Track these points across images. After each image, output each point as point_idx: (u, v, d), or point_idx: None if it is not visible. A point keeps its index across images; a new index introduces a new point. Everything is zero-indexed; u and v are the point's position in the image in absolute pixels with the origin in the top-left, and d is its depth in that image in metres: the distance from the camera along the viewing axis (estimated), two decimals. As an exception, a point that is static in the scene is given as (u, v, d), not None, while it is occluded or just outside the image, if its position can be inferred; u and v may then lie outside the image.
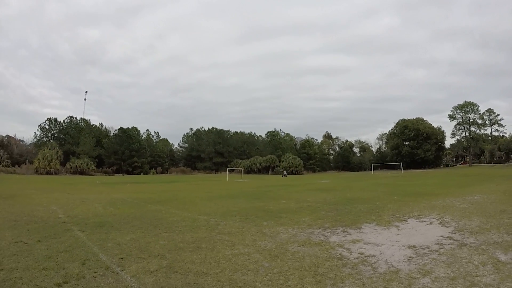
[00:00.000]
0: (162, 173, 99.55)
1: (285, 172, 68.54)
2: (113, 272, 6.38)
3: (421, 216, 11.90)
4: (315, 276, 6.00)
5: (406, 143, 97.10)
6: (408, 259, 6.81)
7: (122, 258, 7.30)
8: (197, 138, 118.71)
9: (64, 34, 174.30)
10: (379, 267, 6.40)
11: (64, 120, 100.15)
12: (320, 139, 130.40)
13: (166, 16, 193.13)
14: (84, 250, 7.96)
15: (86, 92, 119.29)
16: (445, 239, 8.33)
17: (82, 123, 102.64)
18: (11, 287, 5.66)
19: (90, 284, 5.74)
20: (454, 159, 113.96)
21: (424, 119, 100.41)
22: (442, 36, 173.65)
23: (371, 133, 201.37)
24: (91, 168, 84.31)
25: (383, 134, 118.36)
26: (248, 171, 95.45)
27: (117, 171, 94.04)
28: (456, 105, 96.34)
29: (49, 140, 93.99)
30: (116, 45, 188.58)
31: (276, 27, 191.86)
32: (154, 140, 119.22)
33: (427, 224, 10.44)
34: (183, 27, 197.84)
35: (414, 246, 7.78)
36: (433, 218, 11.45)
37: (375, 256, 7.11)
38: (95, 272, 6.31)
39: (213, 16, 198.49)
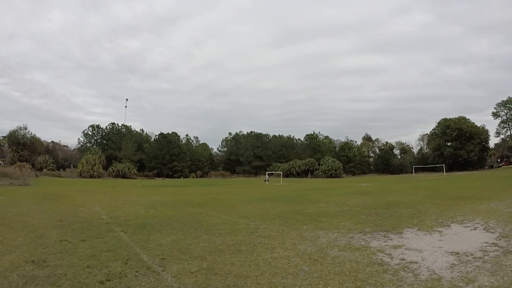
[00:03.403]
0: (201, 176, 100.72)
1: (267, 177, 67.00)
2: (154, 272, 6.44)
3: (464, 221, 11.33)
4: (355, 281, 5.83)
5: (449, 144, 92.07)
6: (451, 266, 6.49)
7: (163, 258, 7.36)
8: (236, 142, 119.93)
9: (105, 45, 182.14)
10: (420, 274, 6.13)
11: (106, 127, 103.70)
12: (358, 141, 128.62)
13: (203, 24, 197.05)
14: (127, 250, 8.10)
15: (127, 99, 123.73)
16: (489, 246, 7.88)
17: (124, 129, 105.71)
18: (55, 282, 5.80)
19: (132, 283, 5.82)
20: (499, 160, 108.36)
21: (467, 117, 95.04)
22: (478, 31, 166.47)
23: (410, 134, 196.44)
24: (132, 172, 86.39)
25: (424, 135, 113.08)
26: (287, 174, 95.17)
27: (158, 175, 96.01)
28: (500, 101, 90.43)
29: (92, 145, 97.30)
30: (155, 54, 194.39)
31: (310, 30, 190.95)
32: (194, 145, 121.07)
33: (471, 230, 9.93)
34: (219, 34, 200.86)
35: (457, 253, 7.41)
36: (477, 223, 10.87)
37: (416, 263, 6.83)
38: (137, 272, 6.40)
39: (247, 22, 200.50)
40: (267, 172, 72.68)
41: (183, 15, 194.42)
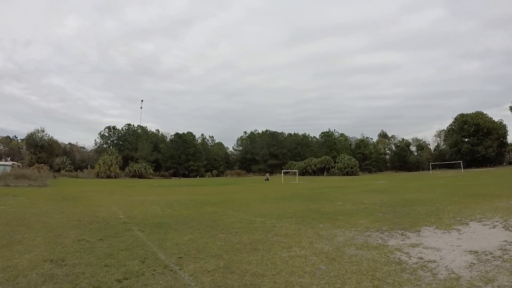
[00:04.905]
0: (217, 176, 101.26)
1: (267, 175, 66.76)
2: (171, 270, 6.46)
3: (483, 219, 11.06)
4: (373, 280, 5.74)
5: (466, 140, 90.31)
6: (470, 266, 6.34)
7: (180, 257, 7.38)
8: (251, 141, 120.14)
9: (121, 49, 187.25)
10: (439, 273, 6.01)
11: (122, 128, 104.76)
12: (374, 138, 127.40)
13: (216, 25, 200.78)
14: (144, 249, 8.14)
15: (142, 101, 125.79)
16: (509, 245, 7.69)
17: (139, 130, 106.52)
18: (73, 281, 5.86)
19: (149, 281, 5.84)
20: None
21: (484, 113, 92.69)
22: (494, 24, 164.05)
23: (427, 131, 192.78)
24: (149, 172, 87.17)
25: (441, 131, 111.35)
26: (303, 172, 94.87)
27: (174, 175, 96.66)
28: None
29: (109, 146, 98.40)
30: (170, 56, 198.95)
31: (322, 29, 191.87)
32: (209, 144, 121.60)
33: (490, 228, 9.69)
34: (233, 34, 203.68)
35: (476, 252, 7.25)
36: (496, 221, 10.62)
37: (435, 262, 6.70)
38: (154, 270, 6.43)
39: (260, 22, 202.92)
40: (267, 173, 73.06)
41: (196, 17, 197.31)
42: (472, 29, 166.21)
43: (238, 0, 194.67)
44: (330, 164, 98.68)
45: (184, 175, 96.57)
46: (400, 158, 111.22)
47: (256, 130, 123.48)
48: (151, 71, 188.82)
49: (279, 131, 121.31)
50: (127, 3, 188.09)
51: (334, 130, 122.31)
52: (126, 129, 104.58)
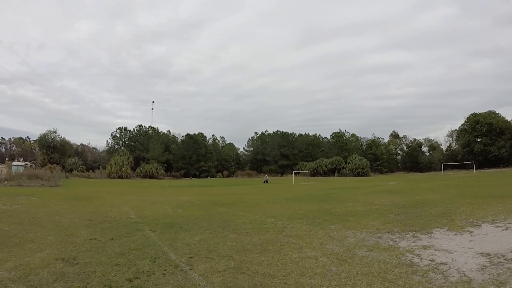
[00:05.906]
0: (228, 176, 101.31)
1: (266, 177, 66.00)
2: (182, 270, 6.49)
3: (496, 221, 10.85)
4: (384, 282, 5.70)
5: (478, 140, 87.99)
6: (482, 268, 6.25)
7: (190, 257, 7.41)
8: (262, 141, 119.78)
9: (133, 52, 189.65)
10: (450, 275, 5.94)
11: (133, 129, 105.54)
12: (386, 139, 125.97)
13: (227, 27, 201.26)
14: (155, 248, 8.19)
15: (153, 102, 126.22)
16: (522, 247, 7.61)
17: (151, 131, 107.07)
18: (84, 280, 5.92)
19: (159, 281, 5.87)
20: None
21: (496, 112, 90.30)
22: (505, 21, 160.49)
23: (439, 130, 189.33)
24: (160, 172, 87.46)
25: (453, 131, 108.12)
26: (314, 173, 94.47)
27: (185, 175, 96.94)
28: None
29: (120, 147, 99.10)
30: (181, 58, 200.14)
31: (333, 29, 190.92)
32: (220, 145, 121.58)
33: (503, 230, 9.52)
34: (243, 36, 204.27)
35: (488, 254, 7.13)
36: (509, 223, 10.41)
37: (446, 264, 6.62)
38: (165, 270, 6.47)
39: (270, 24, 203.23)
40: (266, 175, 72.82)
41: (207, 19, 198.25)
42: (482, 27, 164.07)
43: (248, 2, 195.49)
44: (341, 164, 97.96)
45: (195, 176, 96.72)
46: (412, 158, 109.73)
47: (267, 131, 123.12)
48: (163, 73, 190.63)
49: (290, 131, 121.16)
50: (138, 6, 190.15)
51: (345, 130, 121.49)
52: (138, 130, 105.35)
